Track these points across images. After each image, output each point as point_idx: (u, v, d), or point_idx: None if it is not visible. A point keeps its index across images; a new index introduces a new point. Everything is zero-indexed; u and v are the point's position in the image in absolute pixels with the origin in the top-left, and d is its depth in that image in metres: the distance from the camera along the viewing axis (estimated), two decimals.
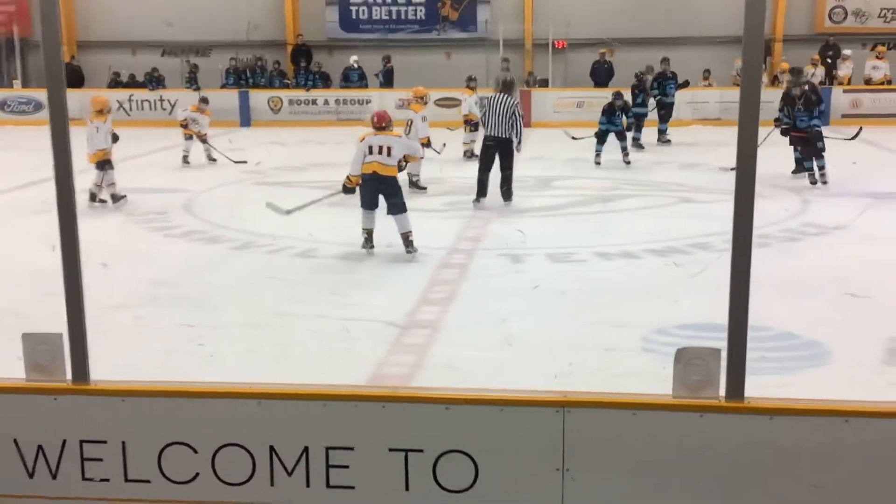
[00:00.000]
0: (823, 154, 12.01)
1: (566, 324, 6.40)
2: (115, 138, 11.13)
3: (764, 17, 2.72)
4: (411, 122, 12.61)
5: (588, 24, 22.82)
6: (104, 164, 10.89)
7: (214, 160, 15.13)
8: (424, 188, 12.04)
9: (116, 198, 11.02)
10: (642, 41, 22.52)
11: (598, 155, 14.48)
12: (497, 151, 10.92)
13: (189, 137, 15.06)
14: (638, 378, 5.06)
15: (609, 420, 2.78)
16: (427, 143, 12.57)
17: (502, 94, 11.01)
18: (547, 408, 2.78)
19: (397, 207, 8.27)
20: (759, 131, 2.77)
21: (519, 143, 10.99)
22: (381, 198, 8.34)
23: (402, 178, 9.19)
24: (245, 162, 14.72)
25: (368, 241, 8.43)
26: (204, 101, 15.51)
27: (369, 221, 8.44)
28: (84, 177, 11.00)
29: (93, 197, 10.94)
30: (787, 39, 22.50)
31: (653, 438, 2.76)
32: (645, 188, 12.42)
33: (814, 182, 11.98)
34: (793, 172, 12.57)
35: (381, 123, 8.48)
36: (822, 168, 12.02)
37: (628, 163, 14.37)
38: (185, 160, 15.07)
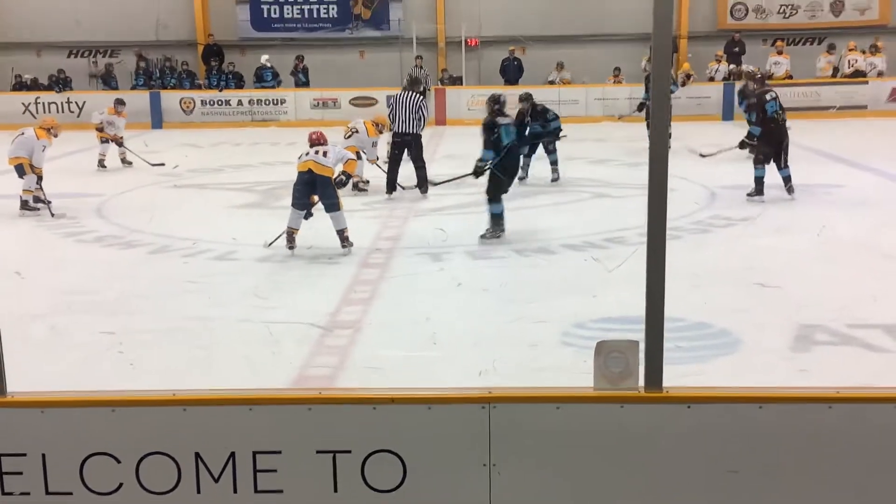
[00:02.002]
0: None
1: (488, 320, 6.47)
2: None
3: (672, 14, 2.81)
4: (355, 132, 12.25)
5: (500, 22, 23.07)
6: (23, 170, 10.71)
7: (130, 163, 14.74)
8: (365, 189, 11.96)
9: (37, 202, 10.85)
10: (553, 38, 22.88)
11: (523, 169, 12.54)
12: (406, 147, 11.27)
13: (105, 141, 14.64)
14: (560, 372, 5.15)
15: (533, 414, 2.84)
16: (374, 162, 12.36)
17: (409, 91, 11.33)
18: (472, 404, 2.82)
19: (333, 206, 8.44)
20: (670, 126, 2.86)
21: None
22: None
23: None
24: (163, 164, 14.44)
25: (291, 240, 8.44)
26: (120, 102, 15.09)
27: (296, 221, 8.49)
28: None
29: (25, 205, 10.77)
30: (692, 36, 23.11)
31: (576, 430, 2.82)
32: (558, 184, 12.60)
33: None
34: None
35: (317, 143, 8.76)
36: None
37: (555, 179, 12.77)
38: (102, 164, 14.67)
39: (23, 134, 10.80)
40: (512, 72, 22.37)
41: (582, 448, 2.83)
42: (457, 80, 22.64)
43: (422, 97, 11.77)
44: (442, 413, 2.83)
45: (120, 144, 14.66)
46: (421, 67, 21.78)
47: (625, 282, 6.93)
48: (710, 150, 13.31)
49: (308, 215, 8.64)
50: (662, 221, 2.78)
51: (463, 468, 2.84)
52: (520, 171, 11.75)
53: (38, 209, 10.69)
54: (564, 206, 11.23)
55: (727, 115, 21.04)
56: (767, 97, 10.72)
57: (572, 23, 22.78)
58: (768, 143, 10.75)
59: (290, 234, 8.47)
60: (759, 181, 10.71)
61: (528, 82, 21.72)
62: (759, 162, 10.77)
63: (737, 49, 22.39)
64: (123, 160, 14.80)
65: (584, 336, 5.79)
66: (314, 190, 8.47)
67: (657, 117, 2.80)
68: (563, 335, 5.99)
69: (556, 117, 12.81)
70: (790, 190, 10.66)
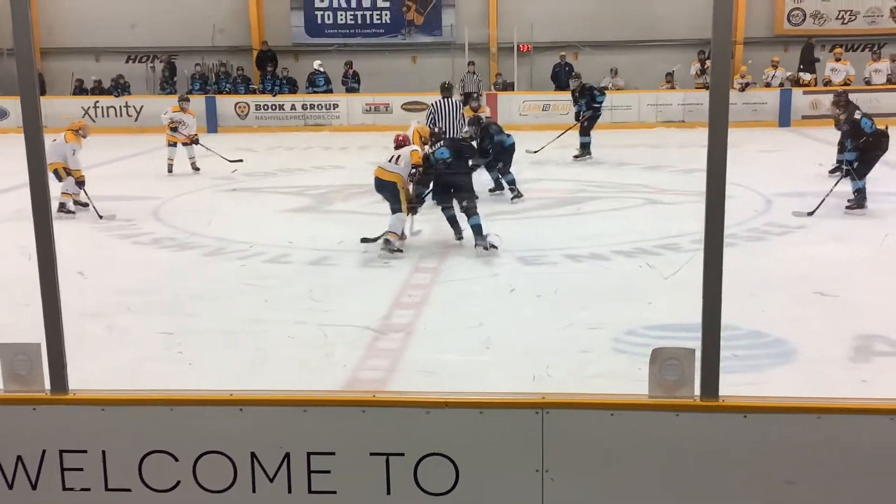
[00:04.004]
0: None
1: (541, 326, 6.45)
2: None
3: (732, 17, 2.78)
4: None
5: (552, 28, 22.98)
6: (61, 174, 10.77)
7: (198, 169, 14.37)
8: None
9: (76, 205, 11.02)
10: (605, 44, 22.75)
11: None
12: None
13: (172, 144, 14.29)
14: (613, 379, 5.12)
15: (587, 421, 2.82)
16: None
17: (446, 99, 11.22)
18: (526, 410, 2.82)
19: (394, 209, 8.78)
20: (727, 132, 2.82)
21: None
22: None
23: None
24: (241, 161, 14.48)
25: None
26: (184, 99, 14.95)
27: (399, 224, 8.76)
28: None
29: (62, 206, 10.81)
30: (747, 42, 22.80)
31: (630, 438, 2.81)
32: (610, 190, 12.53)
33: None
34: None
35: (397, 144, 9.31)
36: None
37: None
38: (170, 169, 14.33)
39: (55, 140, 10.78)
40: (563, 77, 22.27)
41: (636, 456, 2.81)
42: (509, 86, 22.63)
43: (464, 104, 11.71)
44: (495, 418, 2.83)
45: (196, 142, 14.27)
46: (473, 73, 21.82)
47: (677, 289, 6.86)
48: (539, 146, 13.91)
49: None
50: (720, 228, 2.75)
51: (516, 473, 2.84)
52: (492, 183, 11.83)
53: (75, 212, 10.81)
54: (617, 212, 11.15)
55: (784, 121, 20.75)
56: (857, 115, 10.43)
57: (624, 28, 22.62)
58: (869, 157, 10.35)
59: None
60: (861, 192, 10.33)
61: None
62: (862, 176, 10.41)
63: (811, 58, 21.92)
64: (193, 165, 14.41)
65: (638, 343, 5.75)
66: (381, 192, 8.89)
67: (716, 122, 2.77)
68: (616, 342, 5.95)
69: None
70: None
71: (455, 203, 8.95)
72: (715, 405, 2.79)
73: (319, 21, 23.72)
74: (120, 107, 21.97)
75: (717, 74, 2.75)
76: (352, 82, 22.63)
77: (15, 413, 2.87)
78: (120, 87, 22.59)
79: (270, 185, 13.60)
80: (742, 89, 20.48)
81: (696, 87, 21.24)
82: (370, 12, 23.65)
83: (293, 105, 22.19)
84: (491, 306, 7.01)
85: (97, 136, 19.75)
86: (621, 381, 4.95)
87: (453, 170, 8.90)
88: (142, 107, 21.63)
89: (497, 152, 11.55)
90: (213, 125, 21.67)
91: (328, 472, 2.88)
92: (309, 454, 2.88)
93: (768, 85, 21.69)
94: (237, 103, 22.16)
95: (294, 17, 23.78)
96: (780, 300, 6.90)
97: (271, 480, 2.88)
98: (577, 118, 15.78)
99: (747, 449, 2.78)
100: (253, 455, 2.87)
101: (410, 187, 8.90)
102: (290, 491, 2.88)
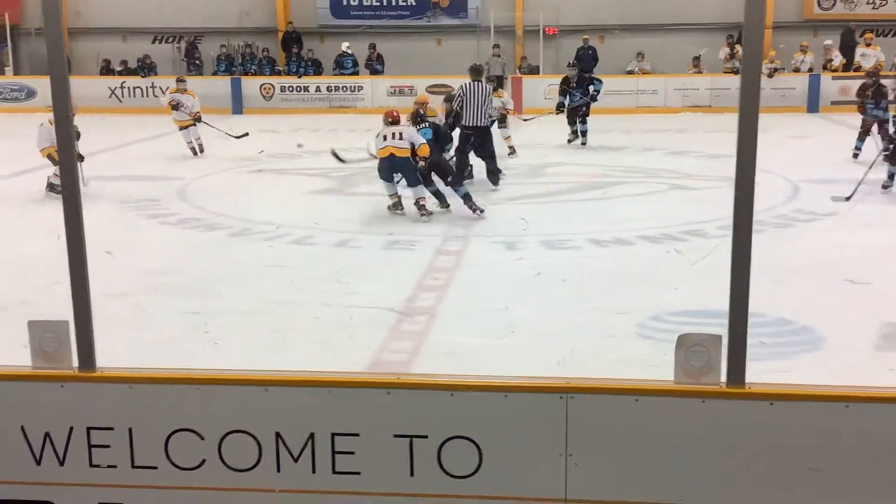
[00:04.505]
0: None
1: (565, 310, 6.43)
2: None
3: (765, 1, 2.74)
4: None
5: (578, 11, 22.84)
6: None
7: (202, 152, 14.38)
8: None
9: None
10: (632, 27, 22.58)
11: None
12: (478, 140, 11.05)
13: (184, 128, 14.36)
14: (638, 365, 5.11)
15: (612, 406, 2.80)
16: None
17: (476, 82, 11.12)
18: (550, 394, 2.81)
19: (413, 182, 9.51)
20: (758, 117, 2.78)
21: (499, 125, 11.39)
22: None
23: None
24: (247, 134, 14.54)
25: (398, 206, 9.62)
26: (181, 80, 14.99)
27: (392, 188, 9.62)
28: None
29: (52, 187, 10.50)
30: (777, 26, 22.54)
31: (655, 424, 2.79)
32: (636, 175, 12.46)
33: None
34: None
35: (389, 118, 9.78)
36: None
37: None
38: (194, 151, 14.36)
39: (42, 125, 10.70)
40: (586, 60, 22.10)
41: (660, 442, 2.79)
42: (534, 69, 22.52)
43: (492, 87, 11.58)
44: (519, 401, 2.82)
45: (199, 120, 14.32)
46: (499, 56, 21.72)
47: (702, 275, 6.82)
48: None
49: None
50: (749, 214, 2.71)
51: (539, 457, 2.83)
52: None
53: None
54: (642, 197, 11.09)
55: (812, 106, 20.53)
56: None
57: (651, 11, 22.44)
58: None
59: (396, 202, 9.57)
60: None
61: (605, 71, 21.48)
62: None
63: (852, 42, 21.62)
64: (199, 147, 14.39)
65: (663, 329, 5.73)
66: (397, 170, 9.48)
67: (746, 106, 2.73)
68: (641, 327, 5.93)
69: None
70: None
71: (438, 179, 9.78)
72: (741, 392, 2.76)
73: (345, 3, 23.68)
74: (146, 87, 22.07)
75: (749, 58, 2.72)
76: (376, 64, 22.61)
77: (43, 390, 2.89)
78: (146, 67, 22.69)
79: (295, 166, 13.63)
80: (770, 75, 20.27)
81: (724, 72, 21.05)
82: None
83: (318, 87, 22.20)
84: (515, 290, 7.00)
85: (123, 117, 19.91)
86: (646, 367, 4.94)
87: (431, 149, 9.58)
88: (167, 87, 21.69)
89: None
90: (238, 106, 21.73)
91: (352, 453, 2.88)
92: (333, 435, 2.88)
93: (797, 70, 21.46)
94: (262, 85, 22.20)
95: None
96: (808, 287, 6.84)
97: (296, 460, 2.89)
98: (558, 108, 15.51)
99: (773, 436, 2.76)
100: (278, 435, 2.88)
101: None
102: (314, 471, 2.89)
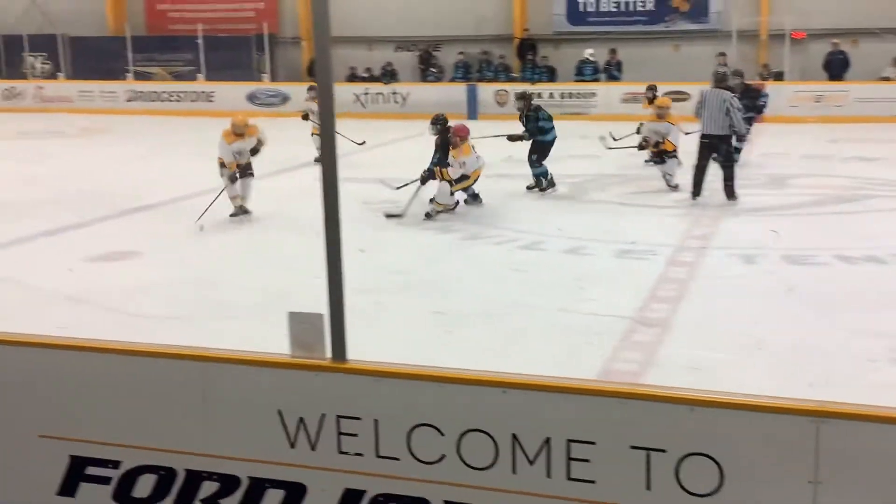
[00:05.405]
0: None
1: (813, 329, 6.10)
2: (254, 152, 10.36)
3: None
4: None
5: (828, 14, 21.52)
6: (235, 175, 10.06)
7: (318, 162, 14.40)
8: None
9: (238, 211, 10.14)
10: (888, 31, 21.02)
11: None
12: (713, 149, 10.63)
13: (316, 135, 13.98)
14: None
15: (868, 434, 2.63)
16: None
17: (716, 90, 10.69)
18: (800, 416, 2.68)
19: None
20: None
21: (740, 137, 10.86)
22: None
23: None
24: (364, 143, 14.43)
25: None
26: (311, 88, 14.97)
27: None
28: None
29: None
30: None
31: None
32: (892, 188, 11.59)
33: None
34: None
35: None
36: None
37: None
38: (317, 159, 14.02)
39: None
40: (836, 67, 20.84)
41: None
42: (778, 76, 21.47)
43: (732, 95, 10.98)
44: (766, 422, 2.70)
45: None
46: (724, 65, 20.87)
47: None
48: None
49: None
50: None
51: (785, 482, 2.70)
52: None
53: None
54: None
55: None
56: None
57: None
58: None
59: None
60: None
61: (857, 77, 20.20)
62: None
63: None
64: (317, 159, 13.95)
65: None
66: None
67: None
68: None
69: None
70: None
71: None
72: None
73: (582, 9, 23.62)
74: (388, 93, 23.03)
75: None
76: (614, 70, 22.39)
77: (299, 377, 3.09)
78: (388, 74, 23.69)
79: (525, 172, 13.72)
80: None
81: None
82: (634, 0, 23.28)
83: (551, 93, 22.26)
84: (756, 305, 6.72)
85: (367, 122, 20.85)
86: None
87: None
88: (408, 93, 22.57)
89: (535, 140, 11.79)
90: (473, 112, 22.19)
91: (587, 460, 2.87)
92: (569, 441, 2.89)
93: None
94: (497, 91, 22.56)
95: (557, 4, 23.81)
96: None
97: (531, 463, 2.92)
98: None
99: None
100: (514, 437, 2.92)
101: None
102: (548, 475, 2.91)
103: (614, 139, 13.76)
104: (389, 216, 10.11)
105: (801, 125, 15.07)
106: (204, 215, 9.61)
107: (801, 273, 7.60)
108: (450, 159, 10.26)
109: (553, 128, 11.93)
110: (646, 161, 13.37)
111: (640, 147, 12.78)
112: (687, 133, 13.19)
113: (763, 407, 2.71)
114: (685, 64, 22.11)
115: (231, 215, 10.01)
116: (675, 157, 11.85)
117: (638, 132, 13.46)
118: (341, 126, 3.13)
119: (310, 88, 15.62)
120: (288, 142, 11.85)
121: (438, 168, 10.35)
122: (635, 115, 20.17)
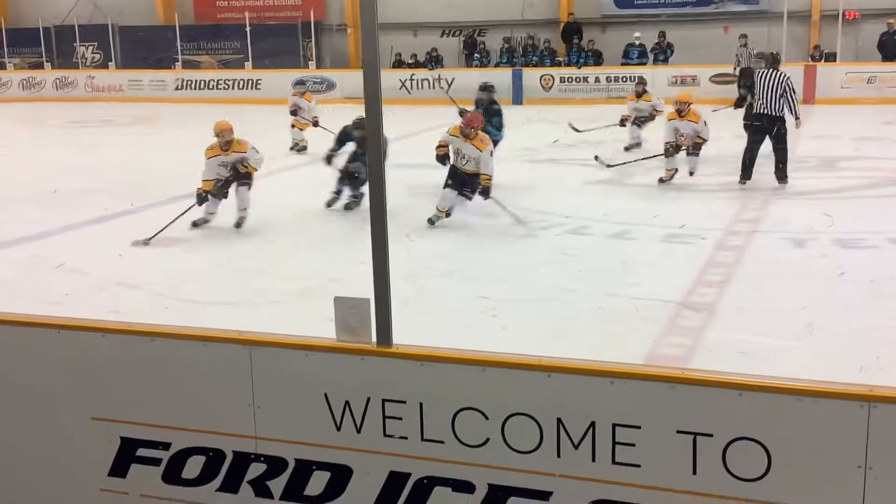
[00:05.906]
0: None
1: (865, 314, 6.00)
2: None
3: None
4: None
5: None
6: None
7: (304, 149, 14.25)
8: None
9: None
10: None
11: None
12: (768, 130, 10.46)
13: (302, 131, 14.43)
14: None
15: None
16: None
17: (771, 70, 10.51)
18: (850, 401, 2.64)
19: None
20: None
21: (797, 117, 10.55)
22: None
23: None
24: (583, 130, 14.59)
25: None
26: (300, 83, 15.19)
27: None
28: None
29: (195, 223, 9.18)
30: None
31: None
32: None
33: None
34: None
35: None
36: None
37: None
38: (296, 147, 14.50)
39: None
40: (891, 47, 20.39)
41: None
42: (830, 57, 21.06)
43: (787, 76, 10.76)
44: (815, 407, 2.67)
45: (316, 125, 14.26)
46: (745, 46, 20.54)
47: None
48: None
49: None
50: None
51: (834, 467, 2.67)
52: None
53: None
54: None
55: None
56: None
57: None
58: None
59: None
60: None
61: None
62: None
63: None
64: (300, 148, 14.40)
65: None
66: None
67: None
68: None
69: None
70: None
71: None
72: None
73: None
74: (433, 79, 23.03)
75: None
76: (662, 53, 22.14)
77: (345, 361, 3.12)
78: (433, 60, 23.68)
79: (571, 156, 13.66)
80: None
81: None
82: None
83: (597, 77, 22.11)
84: (806, 288, 6.63)
85: (411, 107, 20.86)
86: None
87: None
88: (453, 79, 22.54)
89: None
90: (518, 97, 22.12)
91: (633, 444, 2.86)
92: (614, 425, 2.88)
93: None
94: (542, 76, 22.45)
95: None
96: None
97: (576, 447, 2.91)
98: (737, 104, 13.81)
99: None
100: (559, 421, 2.92)
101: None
102: (594, 460, 2.90)
103: (576, 130, 14.14)
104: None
105: (854, 106, 14.74)
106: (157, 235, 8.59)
107: (852, 257, 7.48)
108: (475, 152, 9.26)
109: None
110: (625, 148, 13.65)
111: (667, 154, 11.31)
112: (714, 111, 13.11)
113: (812, 391, 2.68)
114: (734, 46, 21.78)
115: (193, 223, 9.06)
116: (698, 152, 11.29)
117: (622, 125, 13.82)
118: (386, 112, 3.12)
119: (296, 83, 15.55)
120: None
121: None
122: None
